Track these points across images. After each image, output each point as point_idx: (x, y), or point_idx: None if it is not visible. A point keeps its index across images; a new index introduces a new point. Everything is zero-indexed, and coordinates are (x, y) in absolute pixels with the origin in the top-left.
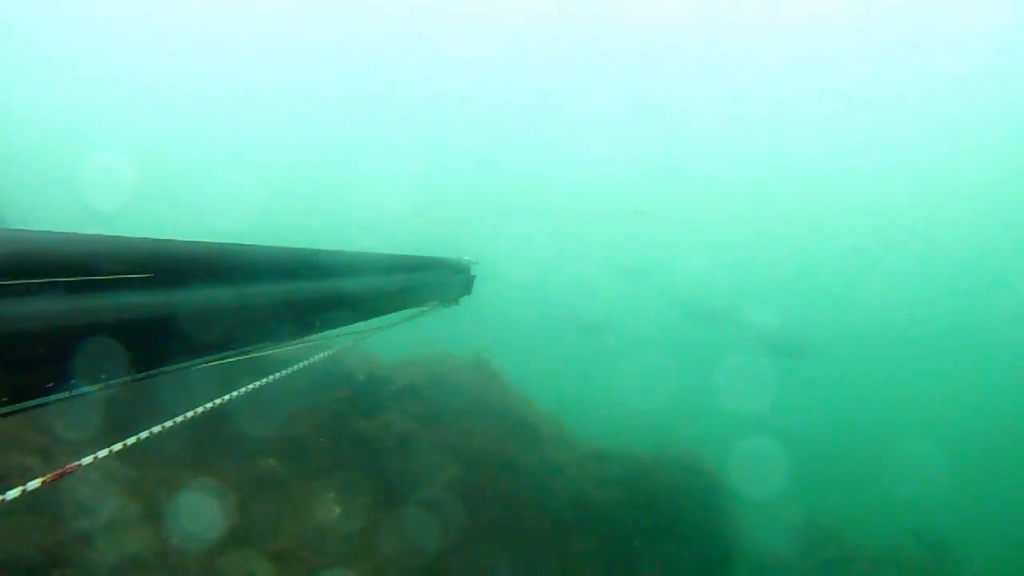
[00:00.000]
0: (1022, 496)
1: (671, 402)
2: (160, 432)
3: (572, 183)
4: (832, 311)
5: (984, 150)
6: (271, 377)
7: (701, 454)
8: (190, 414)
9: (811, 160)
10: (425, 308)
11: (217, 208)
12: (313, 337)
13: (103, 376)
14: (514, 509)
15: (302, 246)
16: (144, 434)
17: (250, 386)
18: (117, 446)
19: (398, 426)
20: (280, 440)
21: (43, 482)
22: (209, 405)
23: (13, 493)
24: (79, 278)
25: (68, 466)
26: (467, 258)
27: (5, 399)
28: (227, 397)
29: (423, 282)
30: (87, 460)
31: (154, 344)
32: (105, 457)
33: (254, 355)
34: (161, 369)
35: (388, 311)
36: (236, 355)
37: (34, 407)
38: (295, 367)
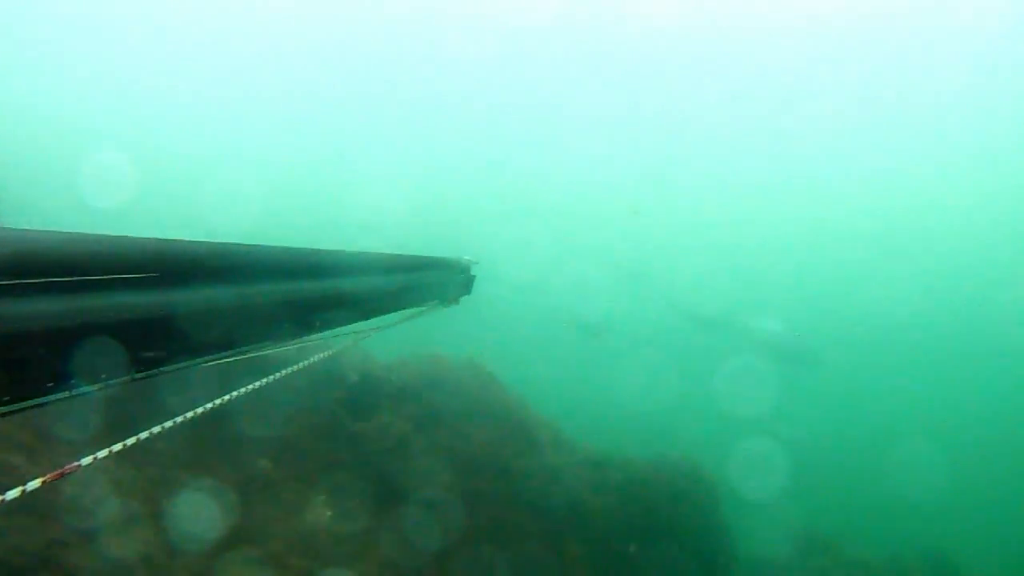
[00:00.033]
0: None
1: (672, 407)
2: (160, 432)
3: (573, 184)
4: (836, 316)
5: (991, 153)
6: (271, 377)
7: (701, 461)
8: (190, 414)
9: (813, 163)
10: (425, 308)
11: (217, 207)
12: (313, 337)
13: (103, 376)
14: (509, 515)
15: (302, 246)
16: (144, 434)
17: (250, 386)
18: (117, 446)
19: (392, 428)
20: (272, 441)
21: (43, 482)
22: (209, 405)
23: (13, 493)
24: (79, 278)
25: (68, 466)
26: (467, 258)
27: (5, 399)
28: (227, 397)
29: (423, 282)
30: (87, 460)
31: (154, 344)
32: (105, 457)
33: (254, 355)
34: (161, 369)
35: (388, 311)
36: (236, 355)
37: (34, 407)
38: (295, 367)
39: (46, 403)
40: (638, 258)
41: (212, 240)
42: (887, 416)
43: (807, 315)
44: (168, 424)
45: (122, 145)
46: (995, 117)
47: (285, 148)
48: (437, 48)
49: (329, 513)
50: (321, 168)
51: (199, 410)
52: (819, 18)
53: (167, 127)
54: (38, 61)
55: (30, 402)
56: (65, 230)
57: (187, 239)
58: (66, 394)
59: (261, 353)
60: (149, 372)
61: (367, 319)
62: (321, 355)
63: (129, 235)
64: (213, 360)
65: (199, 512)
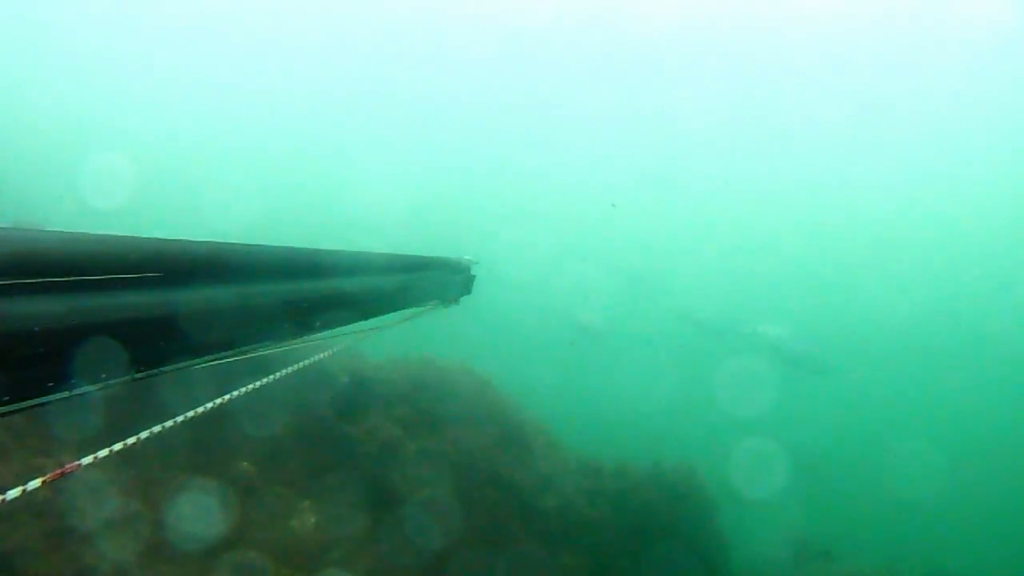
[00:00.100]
0: None
1: (672, 412)
2: (160, 432)
3: (573, 185)
4: (841, 321)
5: (1003, 157)
6: (271, 377)
7: (700, 467)
8: (190, 414)
9: (819, 167)
10: (425, 308)
11: (217, 207)
12: (313, 337)
13: (103, 376)
14: (501, 524)
15: (302, 246)
16: (144, 434)
17: (250, 386)
18: (117, 446)
19: (382, 432)
20: (256, 443)
21: (43, 482)
22: (209, 405)
23: (13, 493)
24: (79, 278)
25: (68, 466)
26: (467, 258)
27: (5, 398)
28: (227, 397)
29: (423, 282)
30: (87, 460)
31: (154, 344)
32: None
33: (254, 355)
34: (161, 369)
35: (388, 311)
36: (236, 355)
37: (34, 406)
38: (295, 367)
39: (46, 403)
40: (638, 260)
41: (212, 240)
42: (892, 423)
43: (811, 320)
44: (168, 424)
45: (122, 145)
46: (1016, 117)
47: (285, 148)
48: (437, 48)
49: (314, 519)
50: (321, 168)
51: (199, 410)
52: (828, 18)
53: (167, 126)
54: (38, 61)
55: (30, 402)
56: (65, 230)
57: (187, 239)
58: (66, 394)
59: (261, 353)
60: (149, 372)
61: (367, 319)
62: (321, 355)
63: (129, 235)
64: (213, 360)
65: (175, 519)
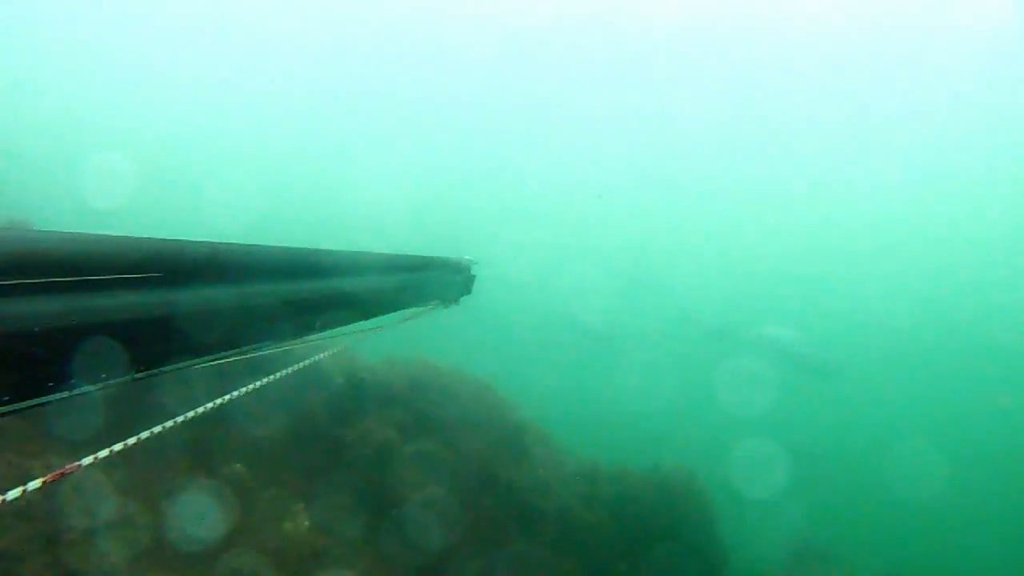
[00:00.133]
0: None
1: (673, 414)
2: (160, 432)
3: (574, 185)
4: (845, 325)
5: (1001, 156)
6: (271, 377)
7: (699, 471)
8: (190, 414)
9: (819, 167)
10: (425, 308)
11: (217, 207)
12: (313, 337)
13: (103, 376)
14: (498, 529)
15: (302, 246)
16: (144, 434)
17: (250, 386)
18: (118, 446)
19: (377, 435)
20: (249, 444)
21: (43, 482)
22: (209, 405)
23: (14, 493)
24: (79, 278)
25: (68, 466)
26: (467, 258)
27: (5, 399)
28: (227, 397)
29: (423, 282)
30: (87, 460)
31: (154, 344)
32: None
33: (254, 355)
34: (161, 369)
35: (388, 311)
36: (236, 355)
37: (34, 406)
38: (295, 367)
39: (46, 403)
40: (639, 261)
41: (212, 240)
42: (893, 425)
43: (813, 322)
44: (168, 424)
45: (122, 144)
46: (1017, 117)
47: (285, 148)
48: (437, 48)
49: (307, 523)
50: (321, 168)
51: (199, 410)
52: (828, 19)
53: (167, 126)
54: (37, 61)
55: (30, 401)
56: (65, 230)
57: (187, 239)
58: (66, 394)
59: (261, 353)
60: (149, 372)
61: (367, 319)
62: (321, 355)
63: (129, 235)
64: (213, 360)
65: (168, 522)
